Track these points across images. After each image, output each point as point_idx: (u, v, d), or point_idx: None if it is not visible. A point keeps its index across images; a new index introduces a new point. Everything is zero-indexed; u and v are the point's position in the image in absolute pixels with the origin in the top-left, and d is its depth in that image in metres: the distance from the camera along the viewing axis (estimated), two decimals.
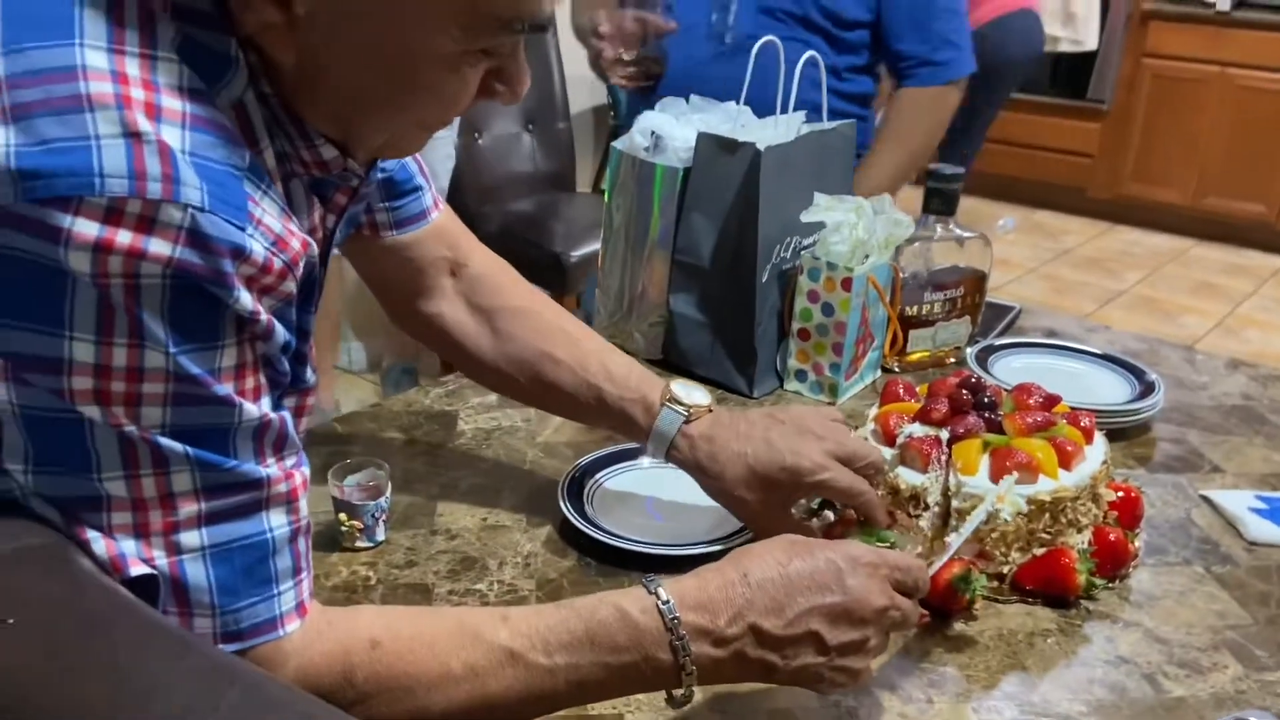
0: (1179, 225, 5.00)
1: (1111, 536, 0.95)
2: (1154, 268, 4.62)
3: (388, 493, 0.96)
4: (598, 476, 1.07)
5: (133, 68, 0.55)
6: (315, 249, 0.65)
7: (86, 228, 0.52)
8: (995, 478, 0.93)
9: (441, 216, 0.98)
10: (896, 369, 1.37)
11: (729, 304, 1.29)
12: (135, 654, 0.49)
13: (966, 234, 1.36)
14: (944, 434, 0.98)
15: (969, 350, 1.36)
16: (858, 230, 1.24)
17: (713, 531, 0.98)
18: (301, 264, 0.62)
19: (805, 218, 1.26)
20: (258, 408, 0.61)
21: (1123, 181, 5.10)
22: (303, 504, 0.66)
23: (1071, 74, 4.99)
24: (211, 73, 0.59)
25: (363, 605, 0.83)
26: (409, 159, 0.92)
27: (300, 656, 0.64)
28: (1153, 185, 5.02)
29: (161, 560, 0.59)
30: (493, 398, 1.25)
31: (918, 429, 0.99)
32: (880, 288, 1.28)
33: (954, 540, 0.86)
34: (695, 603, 0.68)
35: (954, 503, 0.94)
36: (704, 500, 0.98)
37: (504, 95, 0.68)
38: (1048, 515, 0.93)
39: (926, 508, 0.95)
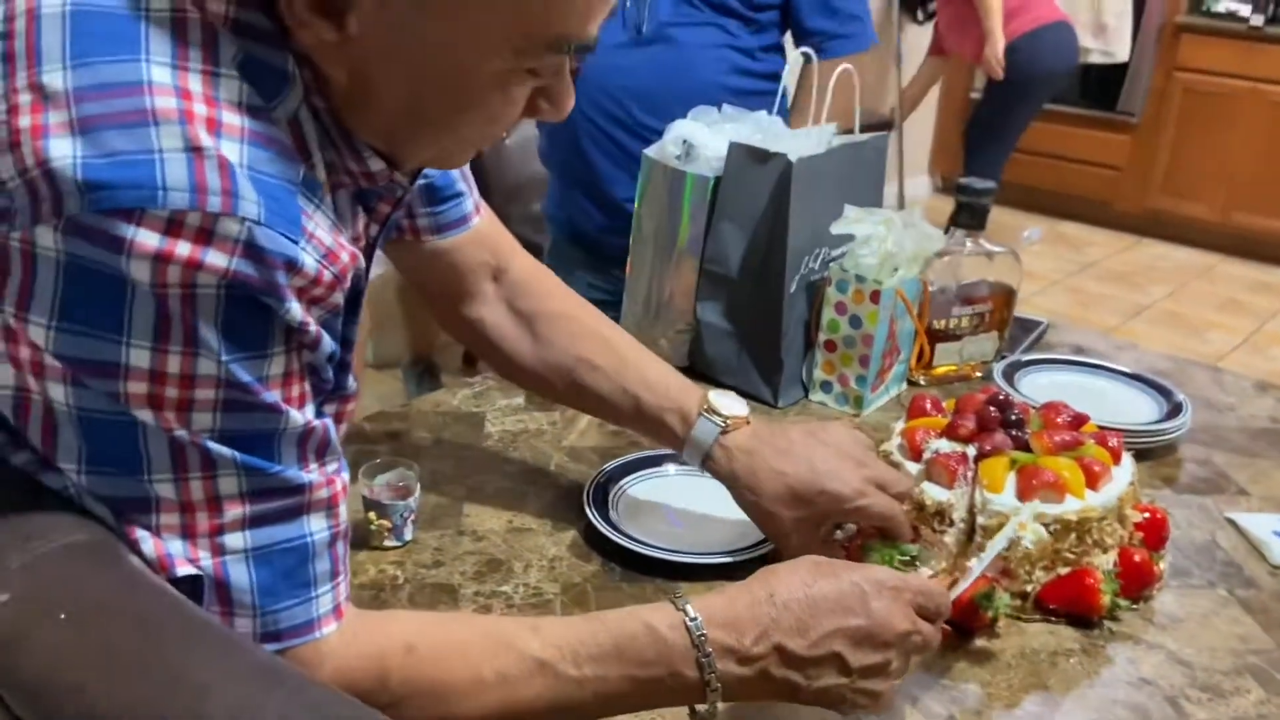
0: (1206, 240, 4.97)
1: (1137, 558, 0.95)
2: (1180, 283, 4.60)
3: (417, 493, 0.97)
4: (622, 482, 1.07)
5: (195, 84, 0.56)
6: (362, 261, 0.67)
7: (148, 238, 0.53)
8: (1022, 496, 0.93)
9: (483, 222, 0.99)
10: (922, 382, 1.37)
11: (756, 314, 1.30)
12: (186, 652, 0.50)
13: (996, 249, 1.36)
14: (971, 450, 0.98)
15: (996, 366, 1.36)
16: (887, 243, 1.24)
17: (734, 542, 0.99)
18: (350, 276, 0.64)
19: (835, 229, 1.26)
20: (302, 415, 0.62)
21: (1151, 195, 5.07)
22: (343, 509, 0.67)
23: (1102, 86, 4.97)
24: (270, 88, 0.60)
25: (397, 610, 0.84)
26: None
27: (337, 658, 0.65)
28: (1181, 199, 4.99)
29: (206, 561, 0.60)
30: (519, 399, 1.26)
31: (944, 445, 0.99)
32: (908, 301, 1.28)
33: (975, 566, 0.86)
34: (722, 621, 0.70)
35: (979, 519, 0.94)
36: (723, 511, 0.99)
37: (549, 113, 0.69)
38: (1073, 535, 0.93)
39: (951, 524, 0.96)
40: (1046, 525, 0.92)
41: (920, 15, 4.50)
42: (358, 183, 0.69)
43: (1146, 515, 0.99)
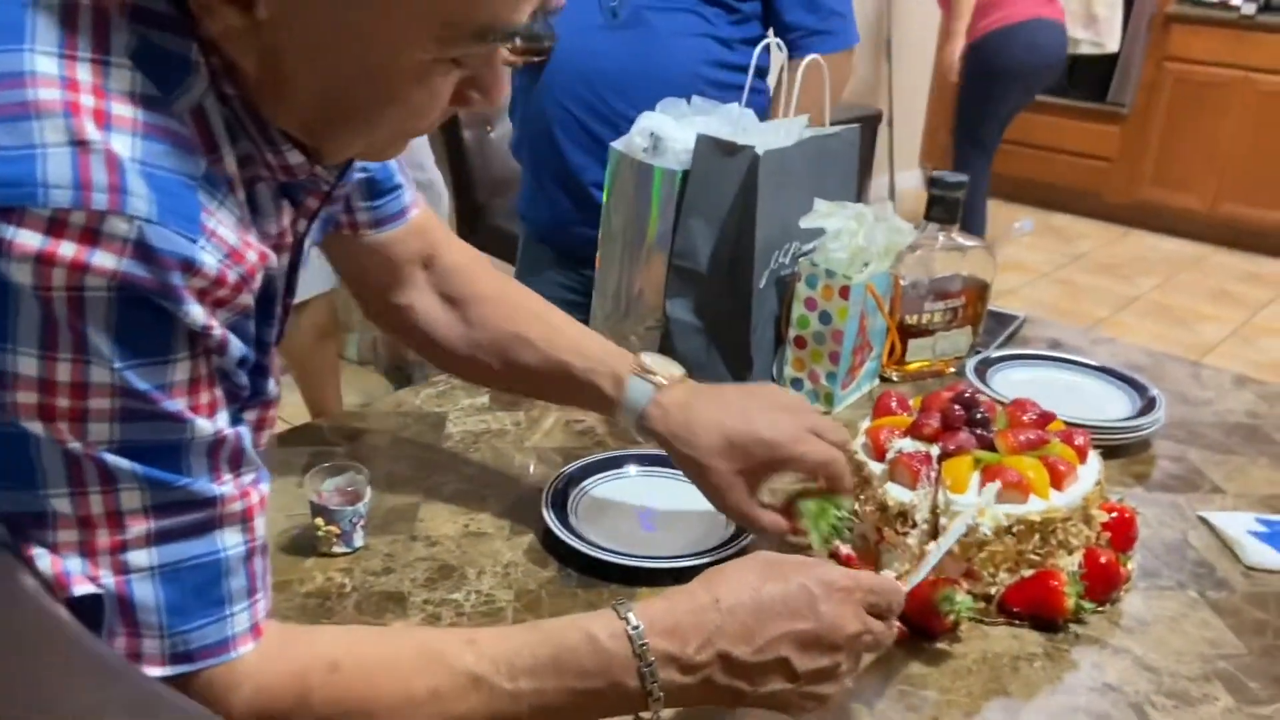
0: (1197, 231, 4.95)
1: (1103, 559, 0.93)
2: (1170, 274, 4.58)
3: (367, 498, 0.95)
4: (583, 484, 1.05)
5: (84, 73, 0.54)
6: (275, 260, 0.64)
7: (29, 239, 0.50)
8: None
9: (419, 213, 0.97)
10: (895, 379, 1.35)
11: (726, 310, 1.27)
12: (63, 679, 0.48)
13: (969, 243, 1.33)
14: (935, 450, 0.96)
15: (968, 362, 1.33)
16: (858, 238, 1.22)
17: (693, 545, 0.97)
18: (259, 276, 0.61)
19: (804, 223, 1.24)
20: (212, 424, 0.59)
21: (1141, 186, 5.05)
22: (259, 522, 0.64)
23: (1092, 76, 4.95)
24: (169, 78, 0.57)
25: (325, 625, 0.81)
26: None
27: (255, 679, 0.62)
28: (1171, 190, 4.97)
29: (108, 579, 0.57)
30: (484, 399, 1.23)
31: (908, 444, 0.97)
32: (878, 296, 1.26)
33: (932, 554, 0.84)
34: (664, 628, 0.68)
35: (942, 520, 0.92)
36: (682, 513, 0.98)
37: (480, 103, 0.65)
38: (1037, 536, 0.91)
39: (914, 525, 0.93)
40: (1010, 527, 0.90)
41: None
42: (277, 176, 0.66)
43: (1114, 515, 0.97)
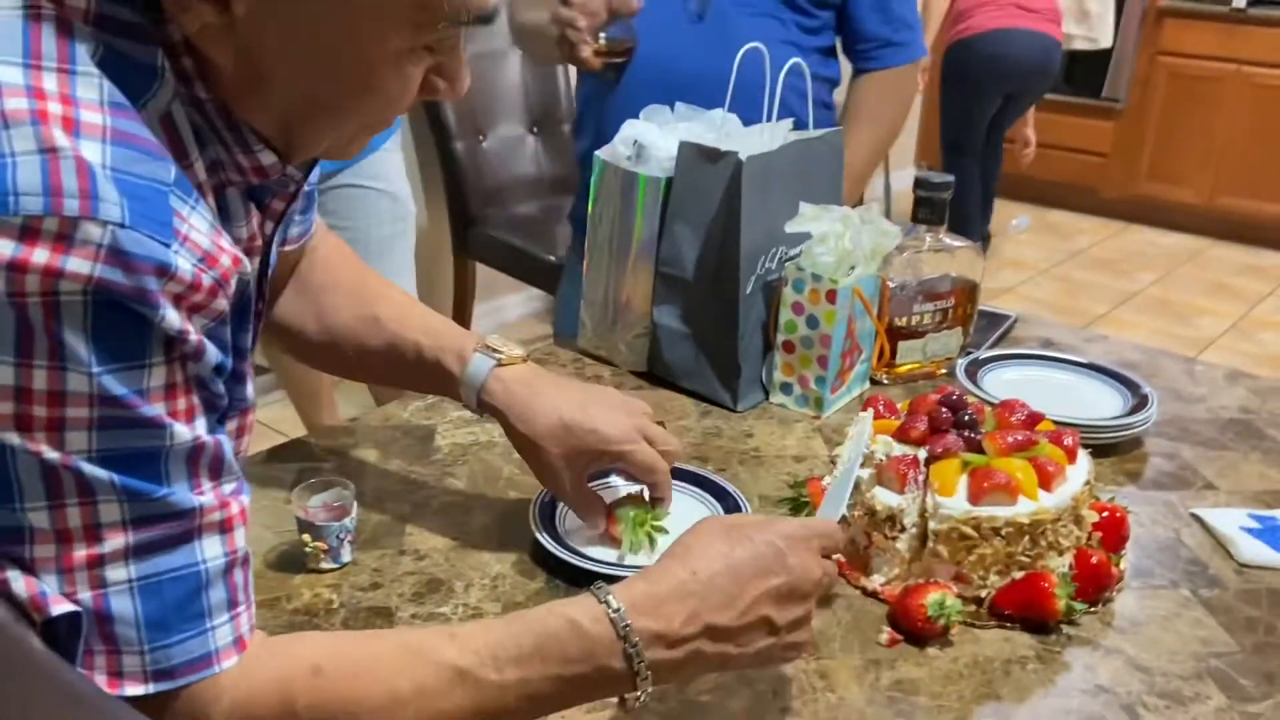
0: (1194, 225, 4.94)
1: (1094, 559, 0.92)
2: (1168, 268, 4.57)
3: (354, 513, 0.94)
4: None
5: (50, 83, 0.54)
6: (248, 265, 0.64)
7: (1, 247, 0.51)
8: (973, 499, 0.91)
9: (314, 228, 0.99)
10: (885, 381, 1.35)
11: (713, 316, 1.27)
12: (22, 709, 0.47)
13: (956, 243, 1.33)
14: (922, 453, 0.95)
15: (959, 362, 1.33)
16: (844, 241, 1.22)
17: None
18: (233, 281, 0.61)
19: (790, 228, 1.23)
20: (190, 430, 0.59)
21: (1137, 181, 5.05)
22: (239, 534, 0.64)
23: (1086, 72, 4.95)
24: (136, 85, 0.57)
25: (305, 632, 0.81)
26: None
27: (236, 690, 0.62)
28: (1168, 184, 4.97)
29: (85, 595, 0.57)
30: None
31: (896, 448, 0.97)
32: (866, 300, 1.26)
33: (840, 478, 0.88)
34: (647, 607, 0.68)
35: (931, 524, 0.91)
36: (677, 517, 0.97)
37: (445, 92, 0.67)
38: (1027, 538, 0.90)
39: (903, 529, 0.93)
40: (998, 529, 0.89)
41: None
42: (248, 179, 0.67)
43: (1105, 515, 0.97)
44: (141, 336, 0.56)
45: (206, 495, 0.61)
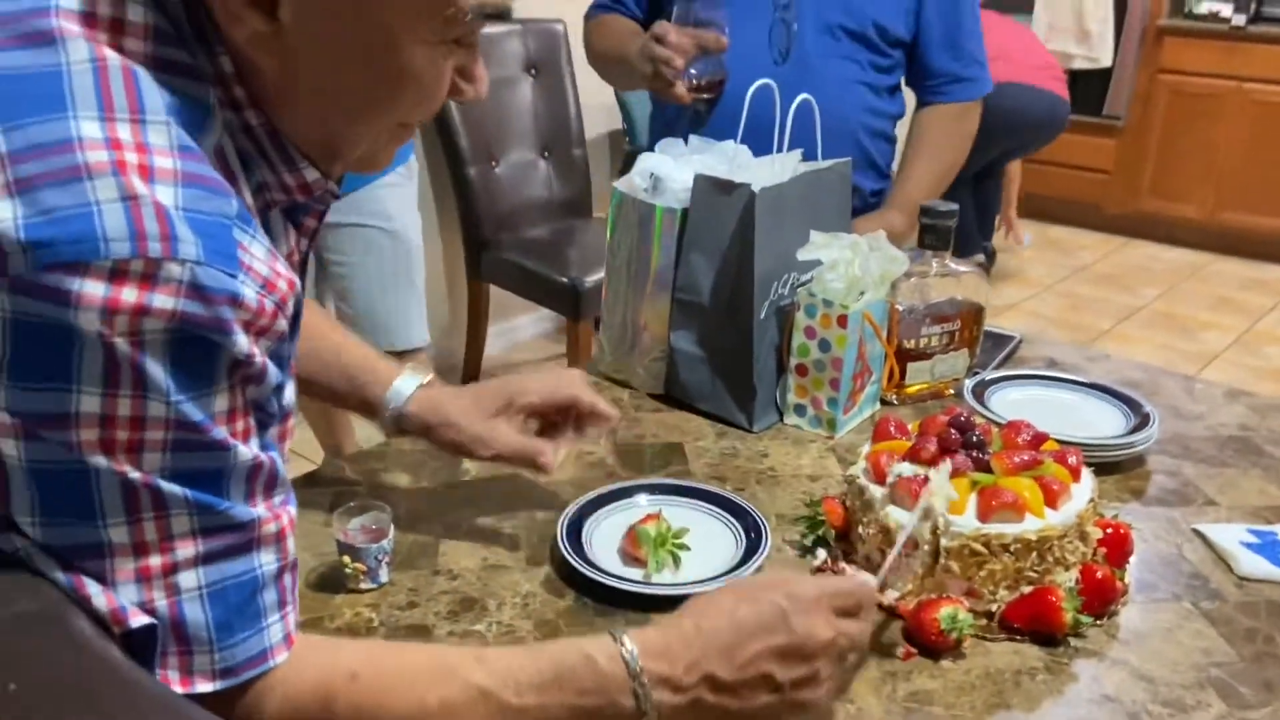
0: (1197, 240, 4.98)
1: (1099, 574, 0.97)
2: (1172, 283, 4.61)
3: (390, 535, 0.99)
4: (595, 515, 1.09)
5: (124, 132, 0.58)
6: (299, 285, 0.69)
7: (94, 289, 0.55)
8: (982, 516, 0.95)
9: None
10: (895, 402, 1.39)
11: (728, 340, 1.32)
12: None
13: (962, 268, 1.38)
14: (933, 473, 0.99)
15: (966, 383, 1.37)
16: (853, 267, 1.26)
17: (705, 573, 1.01)
18: (291, 302, 0.66)
19: (801, 256, 1.28)
20: (249, 449, 0.65)
21: (1140, 197, 5.09)
22: (290, 542, 0.70)
23: (1087, 90, 4.99)
24: (195, 124, 0.62)
25: (345, 639, 0.87)
26: None
27: (285, 686, 0.68)
28: (1170, 200, 5.01)
29: (161, 602, 0.62)
30: None
31: (907, 468, 1.01)
32: (875, 324, 1.30)
33: (895, 546, 0.91)
34: (656, 651, 0.73)
35: (942, 542, 0.96)
36: (695, 542, 1.01)
37: (469, 92, 0.72)
38: (1034, 554, 0.94)
39: (916, 547, 0.97)
40: (1007, 545, 0.94)
41: None
42: (292, 197, 0.72)
43: (1109, 531, 1.01)
44: (213, 364, 0.61)
45: (260, 508, 0.67)
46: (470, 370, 3.30)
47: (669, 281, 1.35)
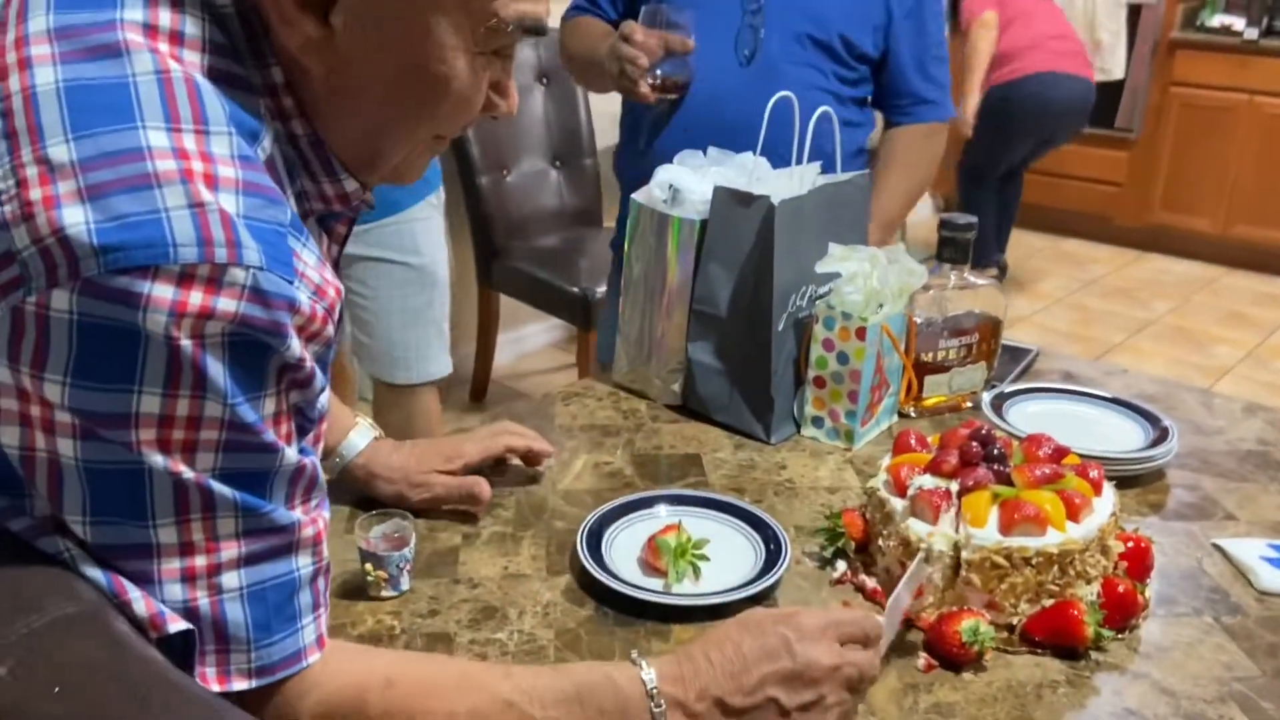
0: (1209, 253, 4.97)
1: (1120, 588, 0.97)
2: (1183, 297, 4.60)
3: (412, 543, 0.99)
4: (615, 525, 1.09)
5: (190, 142, 0.60)
6: (343, 290, 0.70)
7: (163, 292, 0.57)
8: (1004, 530, 0.95)
9: None
10: (913, 414, 1.39)
11: (746, 352, 1.32)
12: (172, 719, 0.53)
13: (980, 281, 1.38)
14: (954, 486, 1.00)
15: (985, 396, 1.37)
16: (871, 280, 1.27)
17: (725, 583, 1.01)
18: (338, 308, 0.67)
19: (820, 268, 1.28)
20: (293, 453, 0.66)
21: (1151, 210, 5.09)
22: (324, 546, 0.72)
23: (1100, 103, 4.96)
24: (251, 134, 0.64)
25: (379, 648, 0.88)
26: None
27: (321, 688, 0.70)
28: (1182, 213, 5.00)
29: (204, 601, 0.64)
30: None
31: (928, 481, 1.01)
32: (893, 336, 1.30)
33: (901, 588, 0.91)
34: (671, 677, 0.77)
35: (964, 554, 0.96)
36: (714, 553, 1.02)
37: (501, 107, 0.75)
38: (1056, 567, 0.94)
39: (937, 559, 0.97)
40: (1029, 559, 0.94)
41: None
42: (330, 206, 0.74)
43: (1130, 545, 1.01)
44: (265, 367, 0.62)
45: (298, 512, 0.68)
46: (480, 378, 3.31)
47: (687, 293, 1.35)
